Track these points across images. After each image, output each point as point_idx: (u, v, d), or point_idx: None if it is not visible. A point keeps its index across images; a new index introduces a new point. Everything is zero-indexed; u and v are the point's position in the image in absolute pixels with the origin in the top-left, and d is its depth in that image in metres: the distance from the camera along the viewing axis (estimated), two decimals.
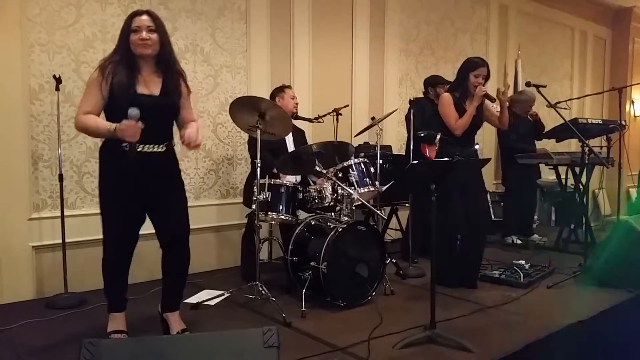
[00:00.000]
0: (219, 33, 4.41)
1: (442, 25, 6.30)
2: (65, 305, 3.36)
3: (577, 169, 5.18)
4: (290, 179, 3.93)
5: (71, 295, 3.48)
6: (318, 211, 3.82)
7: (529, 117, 5.56)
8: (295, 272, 3.51)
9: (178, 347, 1.78)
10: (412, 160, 4.12)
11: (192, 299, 3.48)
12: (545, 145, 6.01)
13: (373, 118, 4.36)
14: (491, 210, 5.83)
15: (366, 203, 3.58)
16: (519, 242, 5.42)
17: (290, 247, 3.56)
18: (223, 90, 4.47)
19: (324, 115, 4.48)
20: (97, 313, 3.26)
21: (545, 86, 3.89)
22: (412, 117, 4.27)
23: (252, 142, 3.94)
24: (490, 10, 6.87)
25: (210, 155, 4.43)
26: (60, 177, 3.50)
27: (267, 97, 4.17)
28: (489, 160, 3.47)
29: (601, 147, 5.55)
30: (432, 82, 4.88)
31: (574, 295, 3.65)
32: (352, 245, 3.39)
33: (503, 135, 5.42)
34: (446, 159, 3.48)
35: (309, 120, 4.44)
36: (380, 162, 4.10)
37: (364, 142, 5.12)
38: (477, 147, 4.06)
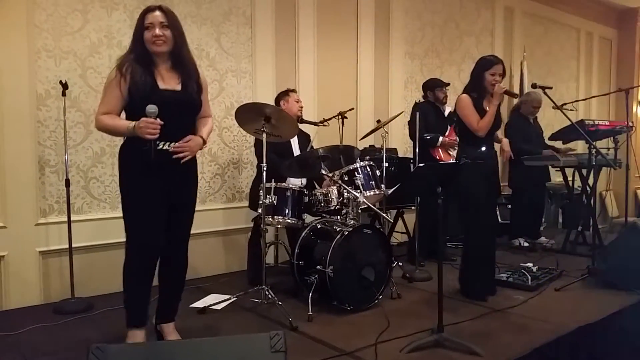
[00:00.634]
0: (224, 38, 4.43)
1: (446, 27, 6.30)
2: (72, 310, 3.37)
3: (584, 171, 5.15)
4: (296, 182, 3.93)
5: (78, 300, 3.49)
6: (324, 215, 3.81)
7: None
8: (302, 275, 3.51)
9: (185, 352, 1.78)
10: (418, 164, 4.11)
11: (199, 304, 3.48)
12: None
13: (379, 121, 4.36)
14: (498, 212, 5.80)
15: (372, 206, 3.57)
16: (526, 244, 5.38)
17: (296, 250, 3.55)
18: (229, 94, 4.48)
19: (330, 119, 4.48)
20: (104, 318, 3.28)
21: (551, 88, 3.87)
22: (417, 120, 4.26)
23: (258, 145, 3.94)
24: (495, 12, 6.86)
25: (216, 159, 4.44)
26: (67, 183, 3.51)
27: (272, 101, 4.18)
28: (494, 162, 3.45)
29: (608, 149, 5.52)
30: (431, 86, 4.86)
31: (582, 297, 3.63)
32: (358, 248, 3.38)
33: (509, 137, 5.39)
34: (468, 161, 3.47)
35: (315, 123, 4.44)
36: (386, 165, 4.10)
37: (370, 145, 5.12)
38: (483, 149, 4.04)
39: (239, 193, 4.59)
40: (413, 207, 4.59)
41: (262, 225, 3.39)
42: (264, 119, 3.30)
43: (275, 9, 4.71)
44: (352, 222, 3.54)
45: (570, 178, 5.59)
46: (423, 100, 4.91)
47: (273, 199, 3.53)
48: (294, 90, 4.30)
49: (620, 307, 3.36)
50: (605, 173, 6.05)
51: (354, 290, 3.34)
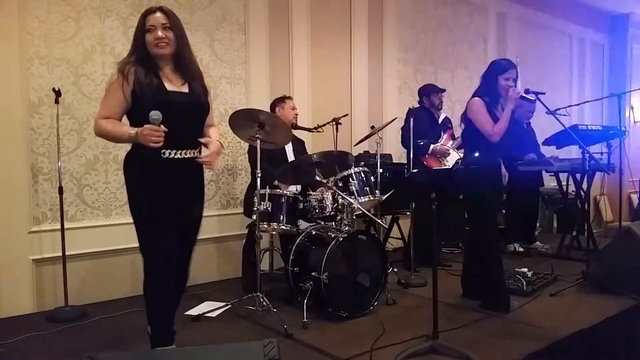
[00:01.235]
0: (217, 44, 4.43)
1: (440, 33, 6.33)
2: (66, 319, 3.35)
3: (578, 176, 5.17)
4: (291, 189, 3.92)
5: (72, 308, 3.47)
6: (319, 221, 3.80)
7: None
8: (297, 282, 3.50)
9: None
10: (412, 170, 4.11)
11: (193, 311, 3.47)
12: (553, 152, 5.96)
13: (373, 127, 4.37)
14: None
15: (367, 212, 3.57)
16: (521, 249, 5.39)
17: (291, 257, 3.54)
18: (222, 101, 4.47)
19: (324, 125, 4.48)
20: (98, 326, 3.26)
21: (544, 93, 3.88)
22: (411, 126, 4.26)
23: (252, 152, 3.94)
24: (488, 19, 6.90)
25: None
26: (60, 190, 3.49)
27: (267, 107, 4.18)
28: (489, 169, 3.45)
29: (602, 154, 5.54)
30: (427, 91, 4.87)
31: (577, 302, 3.63)
32: (353, 255, 3.37)
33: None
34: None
35: (309, 130, 4.44)
36: (381, 170, 4.10)
37: (364, 151, 5.13)
38: (476, 154, 4.05)
39: (233, 200, 4.58)
40: (408, 213, 4.59)
41: (256, 232, 3.38)
42: (257, 126, 3.29)
43: (268, 15, 4.72)
44: (347, 228, 3.54)
45: (564, 183, 5.61)
46: (418, 106, 4.92)
47: (267, 206, 3.52)
48: (290, 97, 4.30)
49: (616, 311, 3.37)
50: (599, 178, 6.08)
51: (349, 296, 3.33)
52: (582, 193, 5.13)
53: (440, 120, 4.88)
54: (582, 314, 3.35)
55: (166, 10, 2.44)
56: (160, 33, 2.38)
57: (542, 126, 5.68)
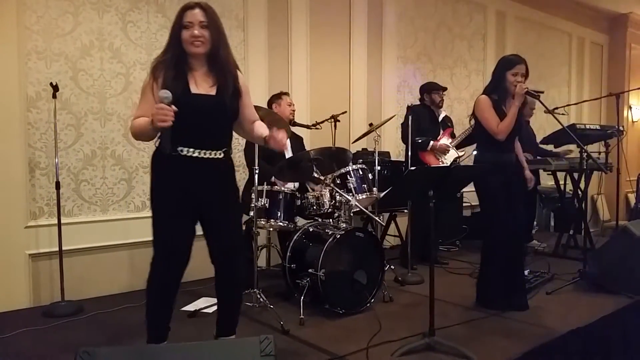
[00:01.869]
0: None
1: (439, 32, 6.32)
2: (62, 314, 3.34)
3: (576, 175, 5.17)
4: (289, 185, 3.92)
5: (68, 303, 3.46)
6: (316, 218, 3.81)
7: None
8: (294, 279, 3.49)
9: (175, 356, 1.77)
10: (410, 167, 4.11)
11: (189, 307, 3.47)
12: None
13: (371, 124, 4.37)
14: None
15: (364, 209, 3.57)
16: None
17: (288, 254, 3.54)
18: None
19: (322, 122, 4.48)
20: (94, 321, 3.25)
21: (543, 92, 3.88)
22: (410, 123, 4.26)
23: (248, 149, 3.93)
24: (488, 17, 6.89)
25: None
26: (57, 185, 3.48)
27: (264, 103, 4.17)
28: (487, 167, 3.44)
29: (599, 153, 5.55)
30: (428, 89, 4.87)
31: (573, 301, 3.63)
32: (350, 252, 3.37)
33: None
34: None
35: (307, 126, 4.44)
36: (379, 168, 4.10)
37: (362, 149, 5.12)
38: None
39: None
40: (405, 210, 4.59)
41: (254, 228, 3.38)
42: None
43: (267, 12, 4.71)
44: (344, 226, 3.53)
45: (561, 182, 5.62)
46: (418, 103, 4.92)
47: (265, 202, 3.52)
48: (286, 93, 4.29)
49: (612, 310, 3.37)
50: (596, 177, 6.09)
51: (346, 293, 3.34)
52: (580, 192, 5.14)
53: (440, 119, 4.88)
54: (579, 312, 3.35)
55: (205, 7, 2.36)
56: (196, 32, 2.32)
57: (541, 125, 5.69)
